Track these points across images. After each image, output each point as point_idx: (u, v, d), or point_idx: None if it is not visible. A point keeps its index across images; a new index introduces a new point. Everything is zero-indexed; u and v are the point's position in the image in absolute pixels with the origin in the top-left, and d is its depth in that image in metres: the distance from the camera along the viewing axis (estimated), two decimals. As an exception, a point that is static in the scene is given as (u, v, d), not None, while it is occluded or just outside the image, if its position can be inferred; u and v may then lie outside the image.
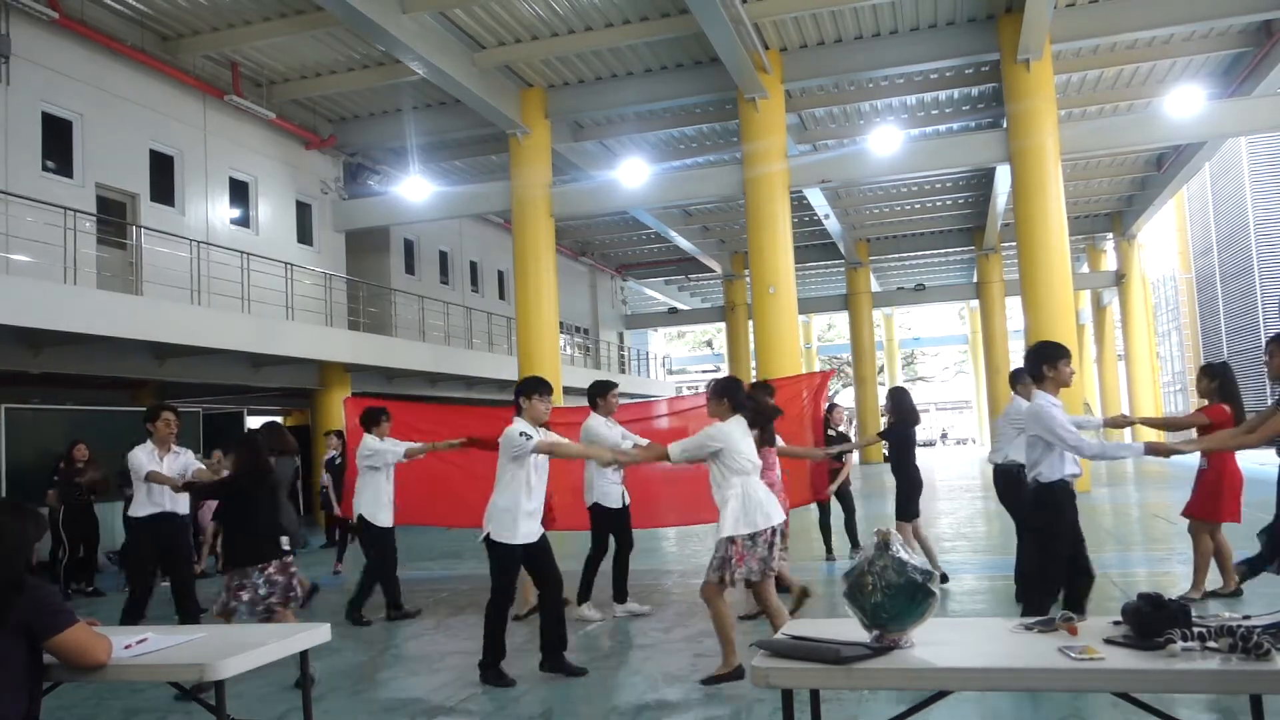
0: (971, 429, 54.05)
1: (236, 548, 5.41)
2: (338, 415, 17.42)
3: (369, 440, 7.67)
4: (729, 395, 5.18)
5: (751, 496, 4.95)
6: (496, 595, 5.39)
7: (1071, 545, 4.86)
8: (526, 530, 5.37)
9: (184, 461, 6.55)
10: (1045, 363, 4.84)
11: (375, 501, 7.61)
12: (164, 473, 6.34)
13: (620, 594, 7.23)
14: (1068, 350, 4.97)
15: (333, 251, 19.13)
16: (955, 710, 4.16)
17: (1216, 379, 6.50)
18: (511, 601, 5.51)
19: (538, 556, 5.46)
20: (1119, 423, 6.81)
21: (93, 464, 10.15)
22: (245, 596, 5.24)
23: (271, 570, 5.30)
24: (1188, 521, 6.78)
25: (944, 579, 7.55)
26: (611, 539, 7.22)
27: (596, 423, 7.17)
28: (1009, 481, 6.75)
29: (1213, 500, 6.50)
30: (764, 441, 6.78)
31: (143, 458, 6.33)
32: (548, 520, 5.73)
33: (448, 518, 9.24)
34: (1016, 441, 6.39)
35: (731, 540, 4.87)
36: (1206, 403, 6.61)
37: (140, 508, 6.39)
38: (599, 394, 7.28)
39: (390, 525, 7.68)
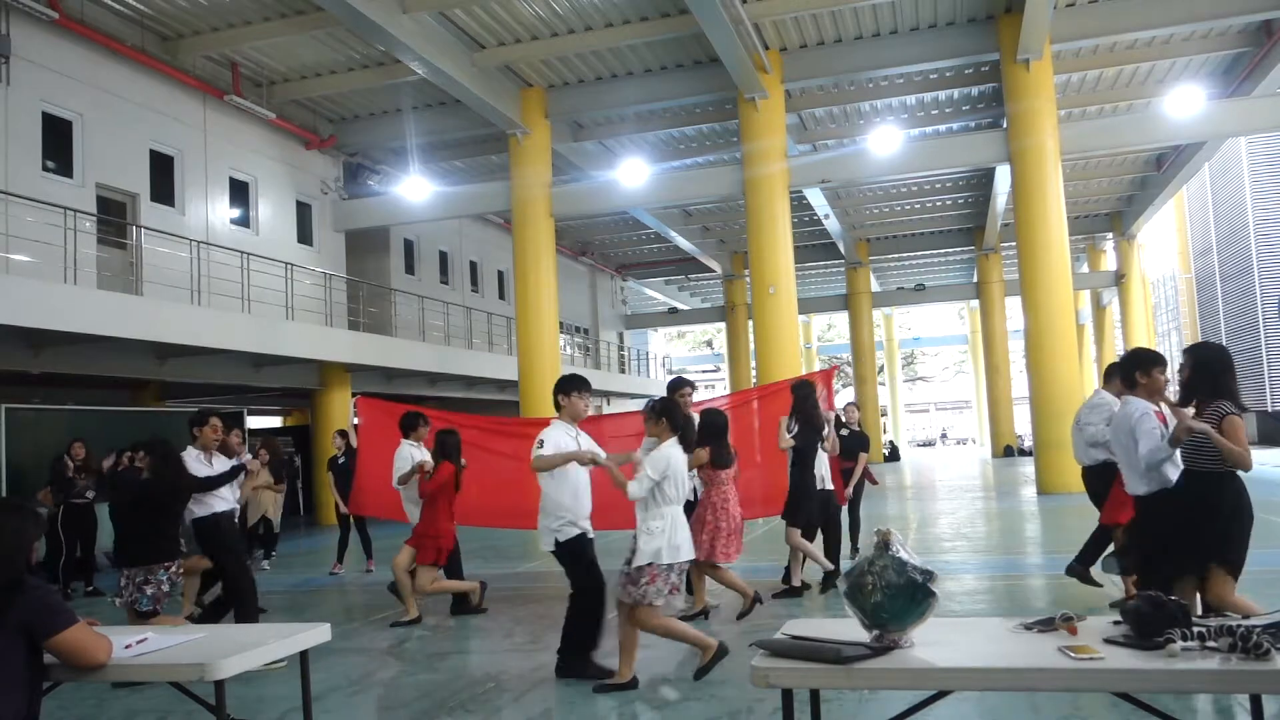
0: (971, 429, 54.01)
1: (148, 546, 5.61)
2: (338, 415, 17.48)
3: (406, 447, 7.92)
4: (668, 416, 5.12)
5: (680, 528, 4.97)
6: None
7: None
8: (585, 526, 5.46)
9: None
10: (1139, 369, 4.79)
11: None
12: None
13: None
14: (1163, 358, 4.92)
15: (333, 251, 19.13)
16: (955, 710, 4.17)
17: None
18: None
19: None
20: None
21: (90, 463, 10.13)
22: (150, 591, 5.53)
23: (174, 569, 5.68)
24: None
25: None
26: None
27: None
28: (1108, 479, 6.32)
29: (1117, 506, 6.16)
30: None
31: (195, 464, 6.45)
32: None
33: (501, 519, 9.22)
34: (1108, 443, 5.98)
35: (653, 565, 4.86)
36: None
37: (204, 509, 6.49)
38: (672, 393, 6.80)
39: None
